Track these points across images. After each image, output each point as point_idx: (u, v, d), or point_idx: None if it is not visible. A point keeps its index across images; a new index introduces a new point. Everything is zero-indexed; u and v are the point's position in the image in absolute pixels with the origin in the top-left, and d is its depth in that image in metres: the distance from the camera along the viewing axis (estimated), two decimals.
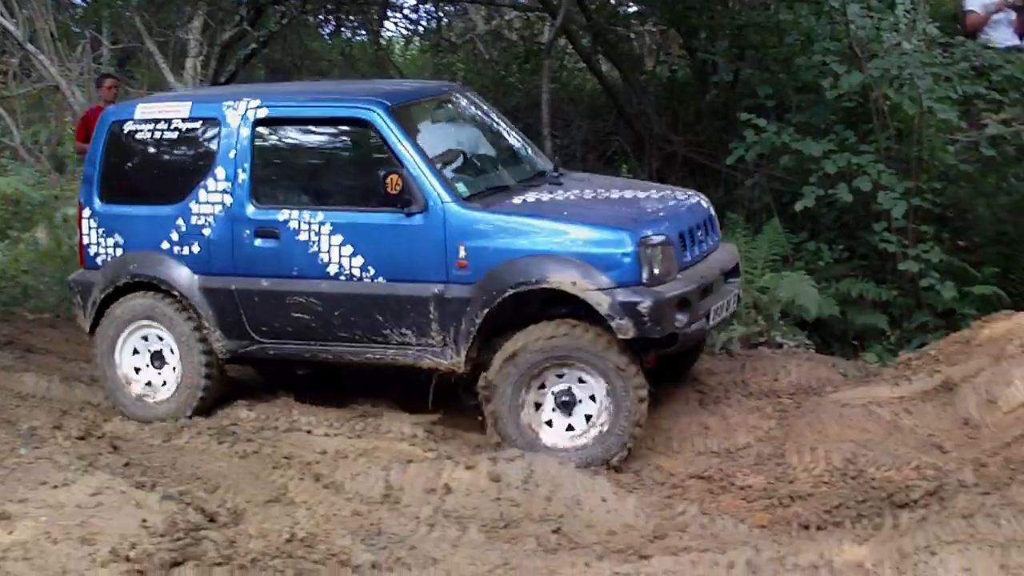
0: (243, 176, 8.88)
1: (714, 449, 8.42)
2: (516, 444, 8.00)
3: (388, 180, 8.30)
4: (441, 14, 22.53)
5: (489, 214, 8.35)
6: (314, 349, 8.89)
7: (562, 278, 7.97)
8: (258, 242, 8.82)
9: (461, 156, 9.05)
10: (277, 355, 9.07)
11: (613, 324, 7.85)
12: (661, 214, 8.68)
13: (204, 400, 9.13)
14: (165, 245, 9.07)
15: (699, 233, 8.69)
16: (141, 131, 9.28)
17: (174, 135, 9.19)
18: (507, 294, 8.11)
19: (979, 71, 11.67)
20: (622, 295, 7.88)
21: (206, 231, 8.97)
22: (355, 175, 9.05)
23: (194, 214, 8.99)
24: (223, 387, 9.30)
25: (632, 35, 18.55)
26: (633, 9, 18.09)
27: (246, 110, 8.96)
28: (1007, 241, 11.36)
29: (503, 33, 21.04)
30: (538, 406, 8.18)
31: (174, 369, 9.18)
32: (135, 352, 9.29)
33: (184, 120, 9.18)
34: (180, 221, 9.03)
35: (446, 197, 8.35)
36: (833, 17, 12.57)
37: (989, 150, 10.83)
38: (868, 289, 10.67)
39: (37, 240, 14.30)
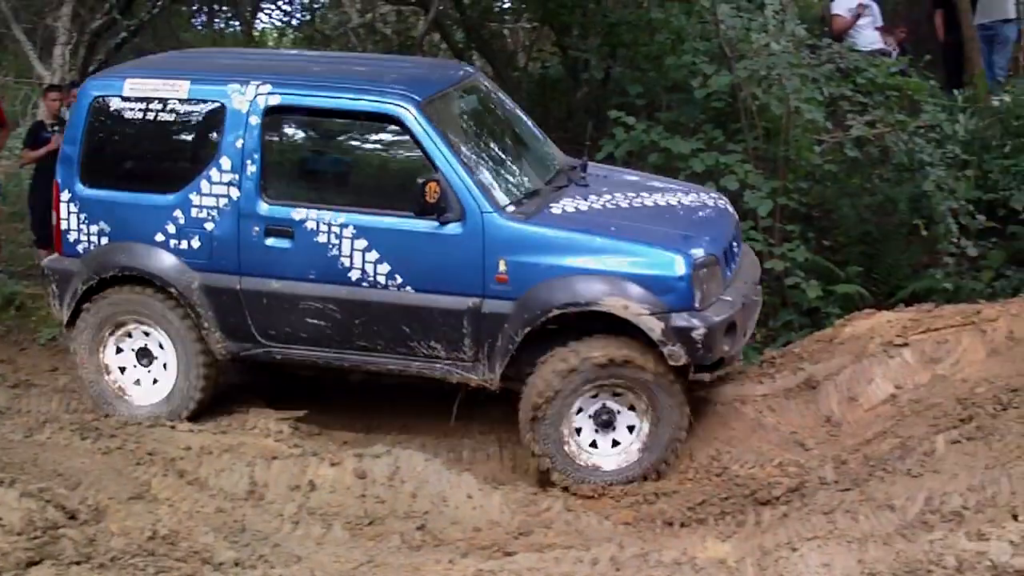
0: (252, 168, 8.24)
1: None
2: (565, 470, 7.80)
3: (427, 188, 7.70)
4: (316, 6, 22.38)
5: (533, 227, 7.92)
6: (327, 356, 8.36)
7: (614, 301, 7.64)
8: (269, 241, 8.22)
9: (495, 157, 8.56)
10: (284, 360, 8.53)
11: (665, 351, 7.61)
12: (705, 228, 8.43)
13: (201, 403, 8.63)
14: (160, 237, 8.42)
15: (735, 245, 8.54)
16: (130, 109, 8.53)
17: (170, 117, 8.48)
18: (553, 313, 7.74)
19: (845, 73, 11.86)
20: (675, 320, 7.63)
21: (208, 225, 8.33)
22: (383, 176, 8.58)
23: (195, 206, 8.34)
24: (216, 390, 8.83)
25: (505, 31, 18.58)
26: (506, 5, 18.13)
27: (255, 96, 8.26)
28: (870, 241, 11.57)
29: (377, 27, 20.92)
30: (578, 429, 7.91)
31: (165, 367, 8.67)
32: (119, 350, 8.75)
33: (182, 101, 8.45)
34: (178, 212, 8.37)
35: (486, 207, 7.89)
36: (703, 17, 12.65)
37: (853, 151, 11.02)
38: None
39: None
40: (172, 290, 8.41)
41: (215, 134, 8.35)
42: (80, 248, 8.64)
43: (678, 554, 6.24)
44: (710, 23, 12.12)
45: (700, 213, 8.74)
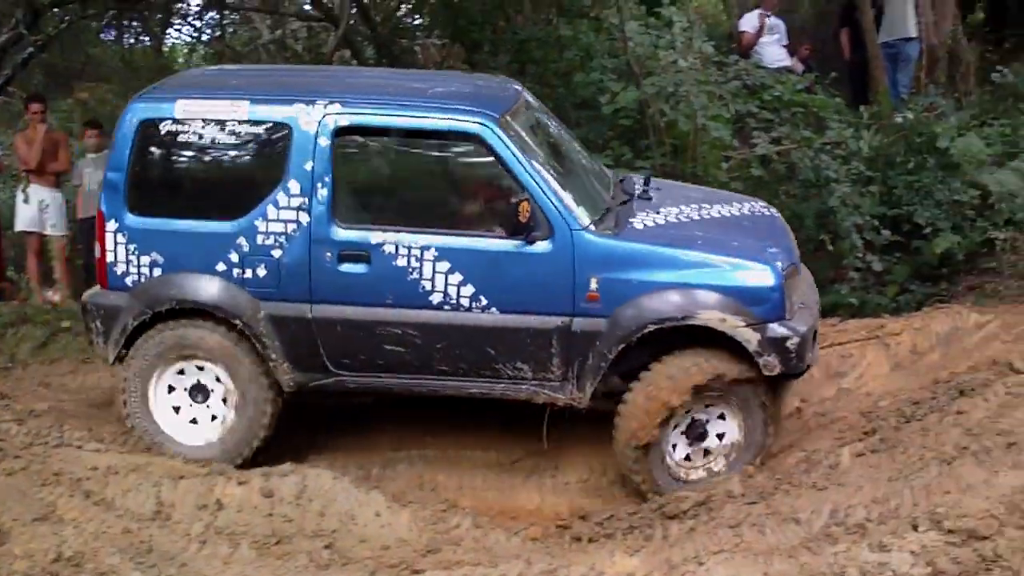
0: (323, 192, 7.81)
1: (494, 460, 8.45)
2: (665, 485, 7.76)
3: (520, 208, 7.52)
4: (226, 22, 22.26)
5: (623, 243, 7.76)
6: (406, 383, 8.03)
7: (710, 315, 7.59)
8: (344, 267, 7.82)
9: (567, 173, 8.26)
10: (358, 388, 8.17)
11: (761, 361, 7.62)
12: (777, 238, 8.43)
13: (263, 442, 8.19)
14: (221, 267, 7.91)
15: (796, 253, 8.49)
16: (184, 132, 7.96)
17: (230, 139, 7.96)
18: (649, 329, 7.62)
19: (751, 90, 12.00)
20: (770, 331, 7.64)
21: (276, 252, 7.87)
22: (463, 196, 8.27)
23: (260, 233, 7.87)
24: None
25: (416, 48, 18.58)
26: (417, 22, 18.14)
27: (323, 116, 7.83)
28: None
29: (288, 43, 20.86)
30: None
31: (224, 404, 8.19)
32: (171, 388, 8.22)
33: (242, 123, 7.93)
34: (242, 240, 7.88)
35: (575, 224, 7.69)
36: (612, 34, 12.78)
37: (758, 169, 11.12)
38: None
39: None
40: (236, 322, 7.96)
41: (281, 156, 7.89)
42: (129, 281, 8.06)
43: (586, 569, 6.22)
44: (618, 40, 12.25)
45: (765, 223, 8.75)
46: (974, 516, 6.05)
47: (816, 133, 12.00)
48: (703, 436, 7.88)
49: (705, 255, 7.77)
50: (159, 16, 20.76)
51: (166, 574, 6.45)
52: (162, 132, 7.98)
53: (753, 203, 9.17)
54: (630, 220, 8.05)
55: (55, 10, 16.62)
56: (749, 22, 14.96)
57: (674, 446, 7.85)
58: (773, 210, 9.10)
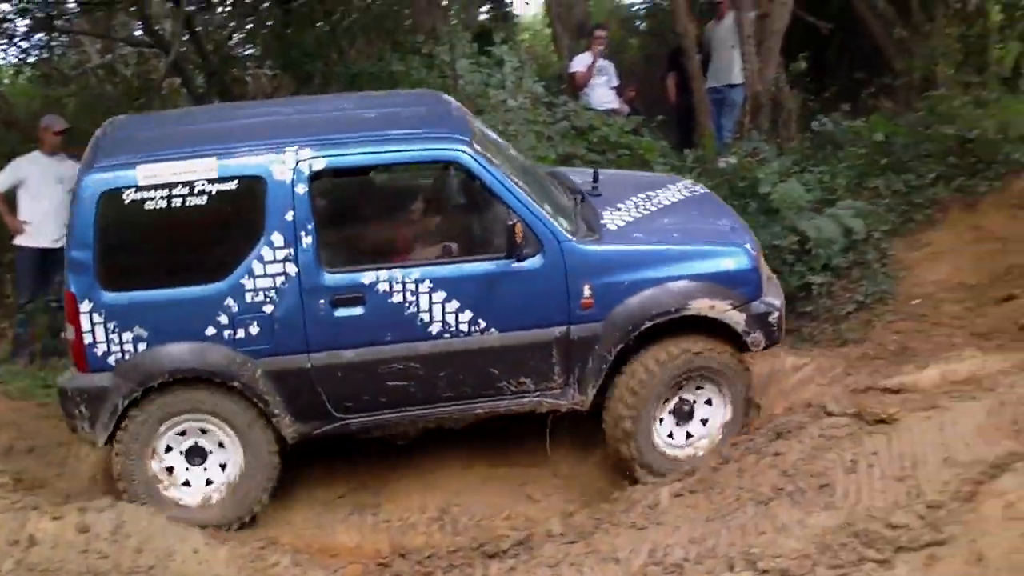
0: (308, 240, 7.68)
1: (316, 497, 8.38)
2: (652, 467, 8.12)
3: (515, 229, 7.64)
4: (54, 44, 21.78)
5: (607, 247, 8.04)
6: (410, 416, 8.09)
7: (700, 304, 8.00)
8: (339, 311, 7.75)
9: (535, 184, 8.36)
10: (362, 430, 8.12)
11: (749, 339, 8.17)
12: (729, 217, 8.90)
13: (269, 495, 8.05)
14: (211, 331, 7.70)
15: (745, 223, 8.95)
16: (150, 199, 7.58)
17: (201, 200, 7.61)
18: (645, 326, 7.94)
19: (579, 131, 12.13)
20: (753, 310, 8.15)
21: (267, 308, 7.72)
22: (449, 223, 8.40)
23: (248, 290, 7.69)
24: None
25: (248, 77, 18.44)
26: (249, 51, 18.00)
27: (296, 163, 7.68)
28: None
29: (117, 67, 20.50)
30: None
31: (223, 468, 8.01)
32: (167, 449, 7.96)
33: (212, 181, 7.62)
34: (230, 301, 7.69)
35: (562, 236, 7.89)
36: (443, 71, 12.81)
37: None
38: None
39: None
40: (235, 384, 7.77)
41: (258, 209, 7.69)
42: (112, 360, 7.71)
43: None
44: (449, 77, 12.27)
45: (708, 203, 9.20)
46: (788, 556, 6.22)
47: None
48: (690, 415, 8.32)
49: (684, 247, 8.18)
50: None
51: None
52: (126, 201, 7.61)
53: (680, 183, 9.63)
54: (602, 222, 8.32)
55: None
56: (581, 62, 15.12)
57: (661, 420, 8.27)
58: (700, 186, 9.61)
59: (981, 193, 12.24)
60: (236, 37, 18.95)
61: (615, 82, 15.36)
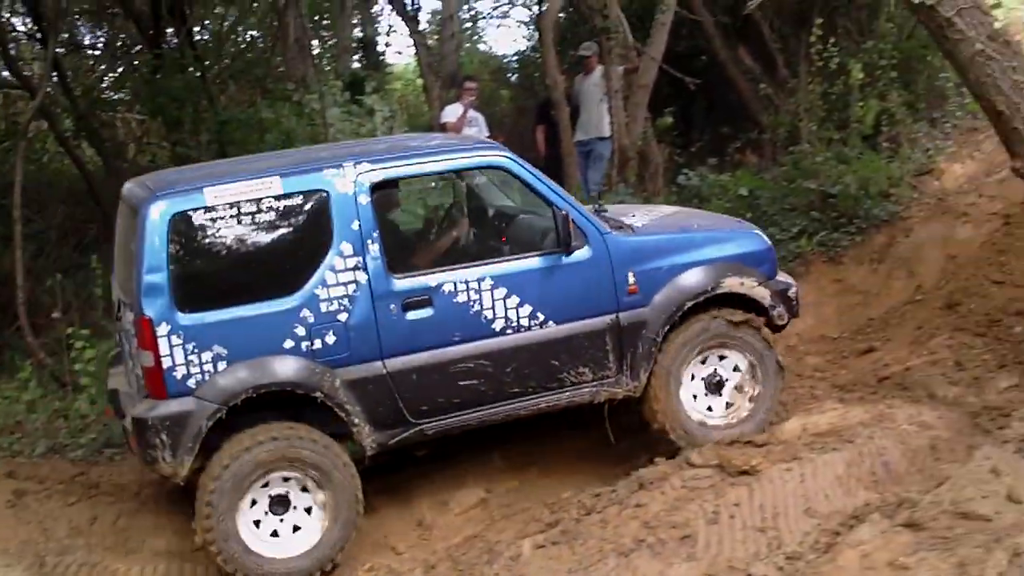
0: (375, 248, 7.91)
1: (172, 550, 8.25)
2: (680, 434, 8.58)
3: (568, 220, 8.13)
4: None
5: (644, 237, 8.62)
6: (481, 415, 8.27)
7: (732, 282, 8.62)
8: (410, 315, 7.97)
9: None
10: (435, 434, 8.20)
11: (775, 313, 8.83)
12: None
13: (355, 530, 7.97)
14: (289, 343, 7.74)
15: None
16: (220, 218, 7.67)
17: (270, 216, 7.76)
18: (687, 306, 8.48)
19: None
20: (774, 286, 8.85)
21: (342, 316, 7.83)
22: (500, 223, 8.93)
23: (323, 300, 7.80)
24: None
25: (117, 122, 18.25)
26: (118, 95, 17.82)
27: (357, 175, 7.95)
28: None
29: None
30: None
31: (310, 514, 7.90)
32: (253, 501, 7.80)
33: (278, 198, 7.77)
34: (306, 312, 7.76)
35: (603, 229, 8.41)
36: (313, 119, 12.77)
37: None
38: None
39: None
40: (317, 396, 7.77)
41: (325, 222, 7.86)
42: (192, 383, 7.60)
43: None
44: (320, 125, 12.24)
45: (699, 211, 10.58)
46: None
47: None
48: (721, 385, 8.85)
49: (709, 232, 8.94)
50: None
51: None
52: (196, 223, 7.65)
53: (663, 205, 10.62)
54: (626, 220, 8.91)
55: None
56: (452, 113, 15.17)
57: (695, 397, 8.75)
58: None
59: (843, 247, 12.52)
60: (106, 80, 18.76)
61: (485, 133, 15.41)
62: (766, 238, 9.11)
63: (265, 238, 7.80)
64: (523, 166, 8.37)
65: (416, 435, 8.16)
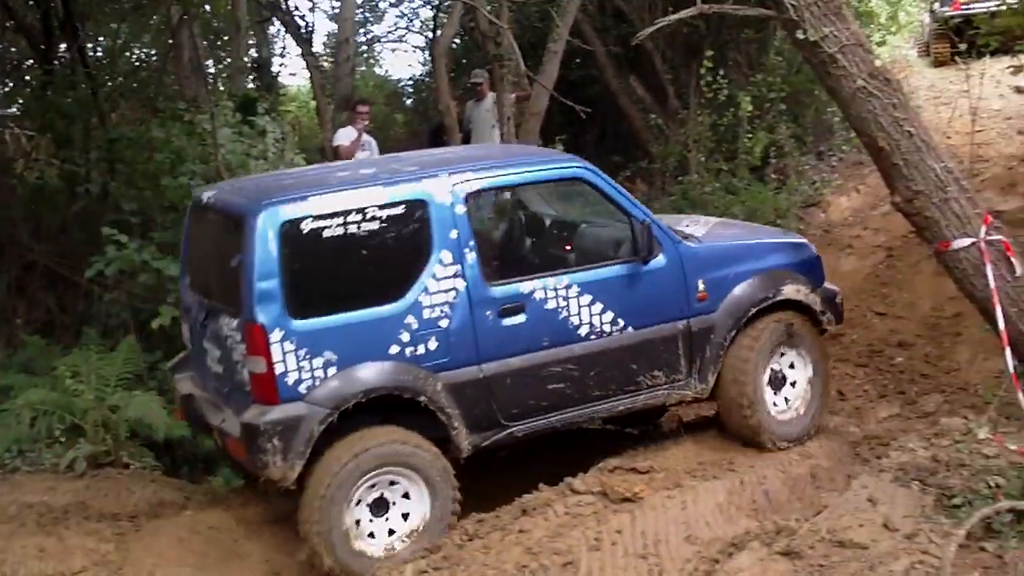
0: (471, 256, 8.11)
1: (48, 573, 8.06)
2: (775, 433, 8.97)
3: (645, 230, 8.49)
4: None
5: (711, 246, 9.03)
6: (566, 417, 8.52)
7: (790, 289, 9.03)
8: (506, 321, 8.18)
9: None
10: (523, 436, 8.39)
11: (824, 319, 9.25)
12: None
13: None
14: (394, 349, 7.85)
15: None
16: (327, 227, 7.74)
17: (373, 225, 7.86)
18: (752, 312, 8.89)
19: None
20: (823, 293, 9.29)
21: (443, 322, 7.99)
22: (583, 232, 9.16)
23: (426, 307, 7.94)
24: None
25: (7, 136, 17.97)
26: (7, 111, 17.56)
27: (453, 185, 8.15)
28: None
29: None
30: None
31: (406, 518, 7.94)
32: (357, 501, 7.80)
33: (382, 207, 7.90)
34: (410, 318, 7.90)
35: (675, 237, 8.78)
36: (204, 139, 12.68)
37: None
38: None
39: None
40: (421, 400, 7.90)
41: (425, 231, 8.04)
42: (303, 388, 7.63)
43: None
44: (210, 145, 12.15)
45: (737, 222, 11.07)
46: None
47: None
48: (783, 382, 9.21)
49: (767, 241, 9.45)
50: None
51: None
52: (304, 231, 7.71)
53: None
54: (686, 231, 9.21)
55: None
56: (345, 136, 15.13)
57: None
58: None
59: None
60: None
61: (377, 157, 15.41)
62: (814, 248, 9.55)
63: (370, 246, 7.93)
64: (602, 177, 8.72)
65: (507, 437, 8.36)
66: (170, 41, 17.70)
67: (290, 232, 7.67)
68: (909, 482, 7.62)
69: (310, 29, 18.93)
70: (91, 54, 16.96)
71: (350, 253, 7.89)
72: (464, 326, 8.08)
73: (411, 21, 26.89)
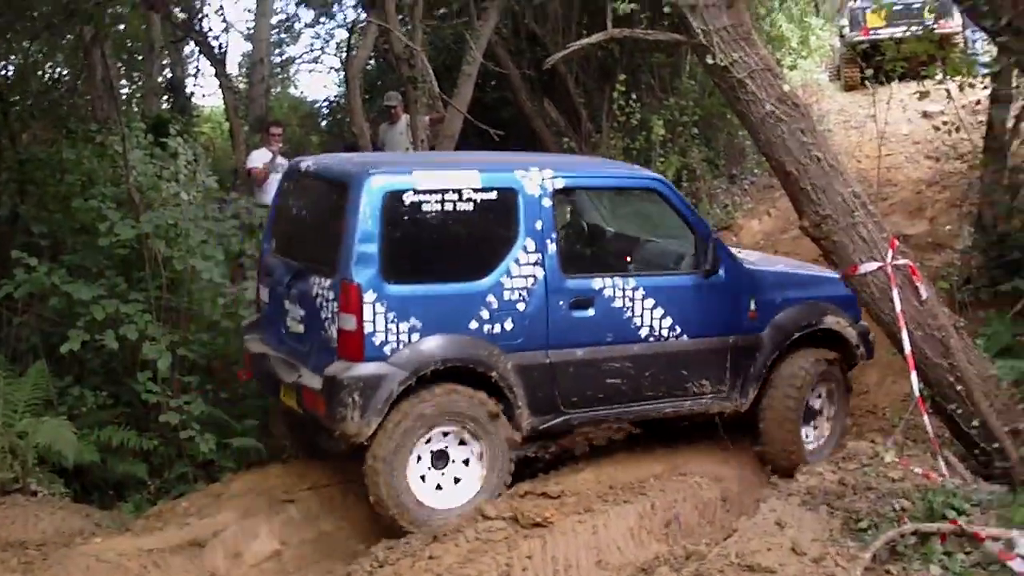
0: (552, 247, 8.65)
1: None
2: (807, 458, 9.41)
3: (713, 245, 9.10)
4: None
5: (764, 269, 9.67)
6: (618, 411, 9.10)
7: (830, 320, 9.62)
8: (576, 313, 8.71)
9: None
10: (579, 424, 9.12)
11: (858, 352, 9.81)
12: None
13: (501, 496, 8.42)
14: (474, 325, 8.36)
15: None
16: (426, 202, 8.30)
17: (468, 206, 8.41)
18: (794, 337, 9.46)
19: (248, 229, 12.07)
20: (858, 328, 9.81)
21: (520, 306, 8.51)
22: (650, 243, 9.72)
23: (507, 289, 8.47)
24: None
25: None
26: None
27: (542, 180, 8.69)
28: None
29: None
30: None
31: (472, 472, 8.45)
32: (419, 457, 8.31)
33: (476, 190, 8.44)
34: (491, 298, 8.42)
35: (737, 257, 9.40)
36: (115, 161, 12.54)
37: (248, 311, 11.04)
38: (130, 437, 10.39)
39: None
40: (492, 375, 8.37)
41: (512, 218, 8.56)
42: (387, 349, 8.12)
43: None
44: (121, 167, 12.03)
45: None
46: None
47: None
48: (813, 415, 9.81)
49: (811, 275, 10.03)
50: None
51: None
52: (405, 203, 8.25)
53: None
54: (740, 256, 9.81)
55: None
56: (258, 159, 15.03)
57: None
58: None
59: None
60: None
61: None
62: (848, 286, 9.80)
63: (462, 225, 8.49)
64: (674, 191, 9.39)
65: (563, 424, 8.88)
66: (83, 61, 17.51)
67: (392, 201, 8.20)
68: (817, 506, 7.68)
69: (224, 50, 18.82)
70: (1, 72, 16.73)
71: (443, 229, 8.46)
72: (538, 312, 8.59)
73: (327, 42, 26.82)
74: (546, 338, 8.65)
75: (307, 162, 9.43)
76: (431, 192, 8.31)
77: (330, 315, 8.26)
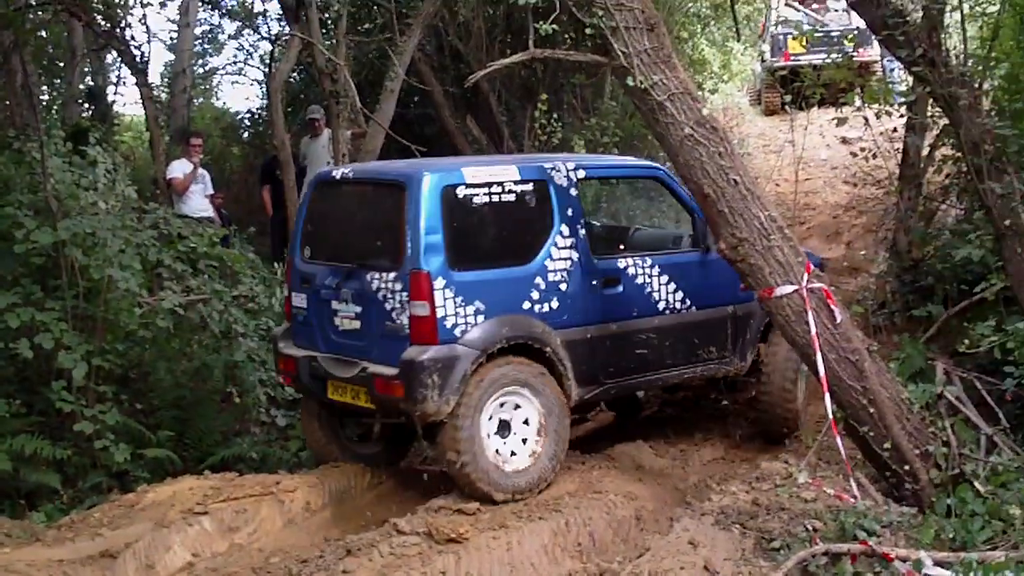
0: (582, 232, 9.47)
1: None
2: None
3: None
4: None
5: None
6: (647, 380, 10.08)
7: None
8: (607, 291, 9.55)
9: None
10: (616, 393, 10.02)
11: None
12: None
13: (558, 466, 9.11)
14: (526, 305, 9.10)
15: None
16: (476, 195, 9.06)
17: (510, 197, 9.21)
18: None
19: (167, 239, 11.99)
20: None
21: (563, 286, 9.27)
22: (661, 220, 10.73)
23: (551, 271, 9.23)
24: None
25: None
26: None
27: (567, 171, 9.53)
28: (184, 405, 11.52)
29: None
30: None
31: (534, 433, 9.02)
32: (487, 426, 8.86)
33: (516, 183, 9.25)
34: (539, 280, 9.17)
35: None
36: (33, 168, 12.41)
37: (165, 320, 11.02)
38: (43, 447, 10.23)
39: None
40: (547, 351, 9.07)
41: (547, 206, 9.34)
42: (458, 332, 8.75)
43: None
44: (39, 175, 11.91)
45: None
46: None
47: (230, 286, 12.16)
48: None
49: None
50: None
51: None
52: (459, 196, 8.99)
53: None
54: None
55: None
56: (178, 169, 14.94)
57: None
58: None
59: None
60: None
61: (210, 190, 15.22)
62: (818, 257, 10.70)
63: (508, 214, 9.26)
64: (673, 178, 10.07)
65: (603, 392, 9.75)
66: (2, 66, 17.34)
67: (449, 195, 8.92)
68: (730, 525, 7.78)
69: (147, 59, 18.54)
70: None
71: (494, 218, 9.23)
72: (577, 291, 9.38)
73: (250, 54, 26.59)
74: (585, 315, 9.43)
75: (343, 171, 10.01)
76: (479, 185, 9.06)
77: (398, 305, 8.80)
